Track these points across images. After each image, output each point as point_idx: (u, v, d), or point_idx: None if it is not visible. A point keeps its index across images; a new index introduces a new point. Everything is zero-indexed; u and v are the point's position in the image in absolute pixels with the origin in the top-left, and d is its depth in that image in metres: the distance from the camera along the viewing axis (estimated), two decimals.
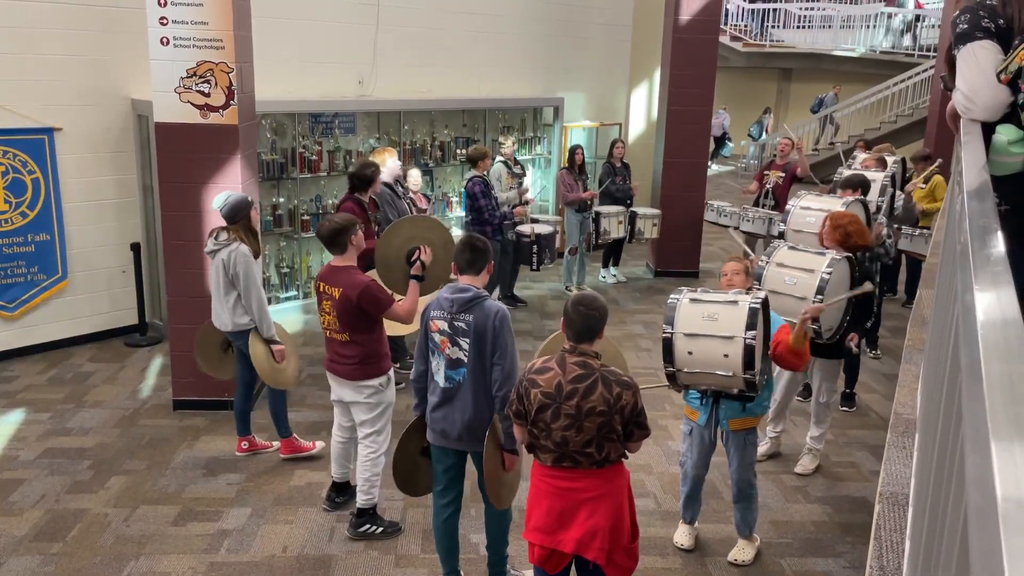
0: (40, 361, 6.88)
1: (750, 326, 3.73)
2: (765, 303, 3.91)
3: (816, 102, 18.99)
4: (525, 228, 8.15)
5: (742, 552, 4.41)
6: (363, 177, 6.12)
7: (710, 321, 3.81)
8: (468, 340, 3.68)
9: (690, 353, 3.84)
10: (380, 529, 4.52)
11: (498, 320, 3.66)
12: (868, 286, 4.66)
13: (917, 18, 19.55)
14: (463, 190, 7.97)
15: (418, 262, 4.51)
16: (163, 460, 5.30)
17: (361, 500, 4.51)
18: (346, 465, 4.78)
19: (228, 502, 4.83)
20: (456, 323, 3.69)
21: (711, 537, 4.62)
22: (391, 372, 4.54)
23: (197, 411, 5.96)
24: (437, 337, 3.76)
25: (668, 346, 3.87)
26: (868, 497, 5.02)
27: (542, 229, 8.19)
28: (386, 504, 4.75)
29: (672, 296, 3.94)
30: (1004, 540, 0.63)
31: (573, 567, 3.41)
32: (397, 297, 4.54)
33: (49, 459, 5.27)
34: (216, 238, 5.08)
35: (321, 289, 4.40)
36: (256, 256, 5.12)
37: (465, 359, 3.70)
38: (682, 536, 4.53)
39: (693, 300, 3.90)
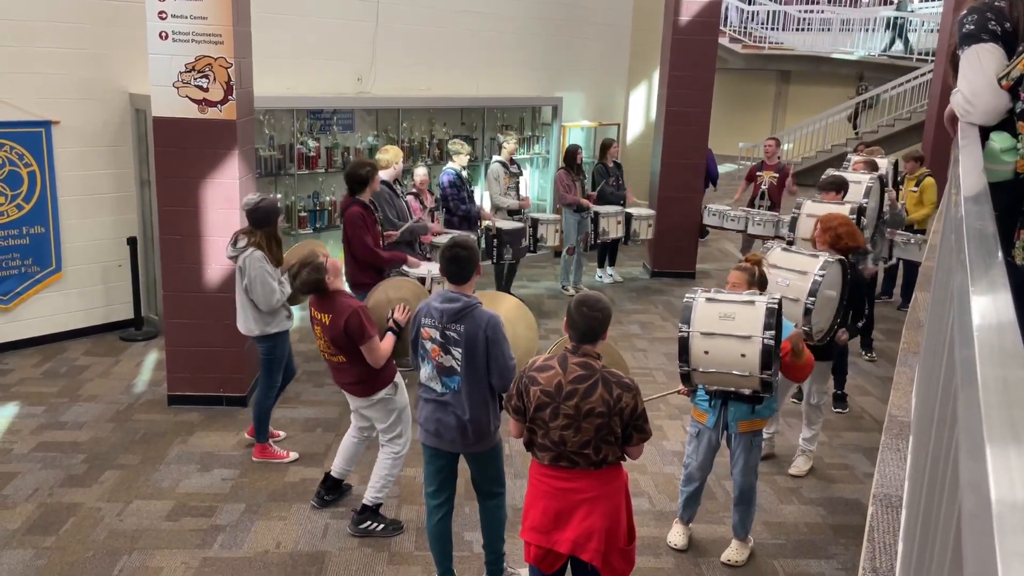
0: (35, 354, 6.86)
1: (768, 326, 3.73)
2: (780, 305, 3.90)
3: None
4: (491, 223, 8.23)
5: (736, 553, 4.41)
6: (359, 177, 5.83)
7: (727, 320, 3.81)
8: (460, 350, 3.64)
9: (706, 352, 3.84)
10: (381, 526, 4.50)
11: (490, 329, 3.61)
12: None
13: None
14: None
15: (391, 320, 4.40)
16: (157, 455, 5.30)
17: (369, 497, 4.49)
18: (348, 464, 4.75)
19: (222, 497, 4.83)
20: (448, 333, 3.65)
21: (704, 537, 4.62)
22: (397, 378, 4.48)
23: (192, 406, 5.95)
24: (428, 345, 3.73)
25: (684, 345, 3.86)
26: (861, 499, 5.03)
27: (506, 225, 8.23)
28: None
29: (688, 295, 3.95)
30: (998, 543, 0.63)
31: (569, 567, 3.41)
32: None
33: (43, 453, 5.25)
34: (235, 244, 5.00)
35: (312, 314, 4.38)
36: (277, 266, 5.02)
37: (458, 368, 3.67)
38: (676, 536, 4.53)
39: (709, 299, 3.90)
